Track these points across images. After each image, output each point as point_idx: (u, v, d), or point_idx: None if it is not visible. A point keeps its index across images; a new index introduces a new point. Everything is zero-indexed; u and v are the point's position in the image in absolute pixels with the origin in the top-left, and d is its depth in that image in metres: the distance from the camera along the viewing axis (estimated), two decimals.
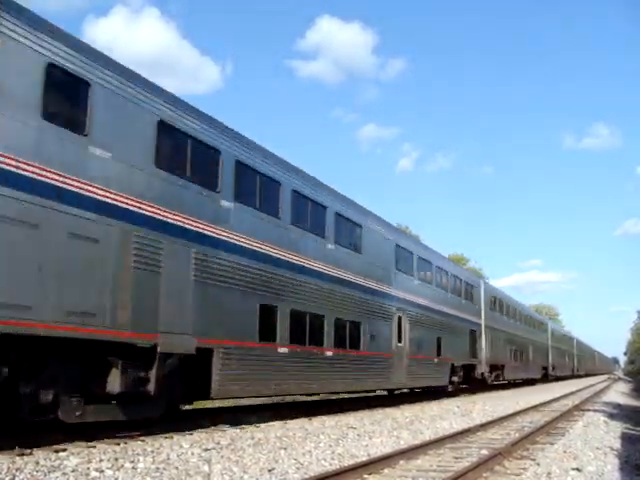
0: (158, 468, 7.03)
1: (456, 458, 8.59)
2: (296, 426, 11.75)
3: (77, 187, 8.11)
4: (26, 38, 7.69)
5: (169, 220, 9.72)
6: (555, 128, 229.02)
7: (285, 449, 8.78)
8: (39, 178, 7.62)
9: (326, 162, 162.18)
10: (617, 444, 10.40)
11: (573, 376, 64.75)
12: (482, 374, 27.92)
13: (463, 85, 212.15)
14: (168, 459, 7.61)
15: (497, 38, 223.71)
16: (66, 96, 8.49)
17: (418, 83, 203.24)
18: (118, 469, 6.89)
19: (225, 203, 11.12)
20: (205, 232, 10.56)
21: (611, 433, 12.07)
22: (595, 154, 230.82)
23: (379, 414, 15.27)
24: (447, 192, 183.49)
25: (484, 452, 8.94)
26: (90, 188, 8.30)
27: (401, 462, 8.04)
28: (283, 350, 12.51)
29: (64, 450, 7.80)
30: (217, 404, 16.71)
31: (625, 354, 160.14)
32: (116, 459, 7.38)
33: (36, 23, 7.91)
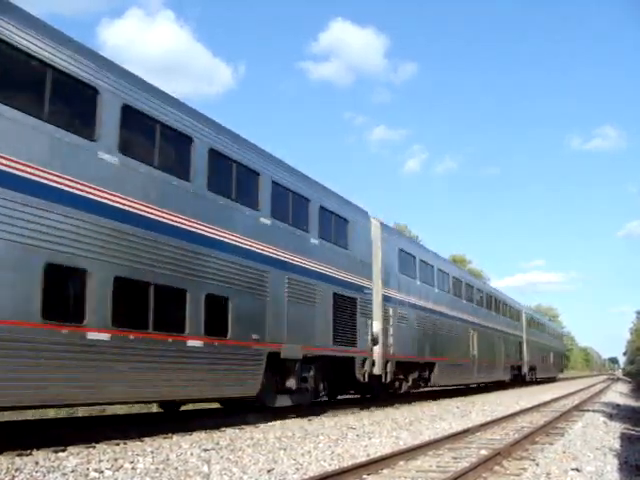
0: (157, 468, 7.04)
1: (455, 458, 8.59)
2: (295, 426, 11.75)
3: None
4: None
5: None
6: (562, 130, 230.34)
7: (284, 449, 8.78)
8: None
9: (335, 163, 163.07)
10: (616, 444, 10.39)
11: (561, 378, 58.29)
12: (367, 374, 16.23)
13: (472, 88, 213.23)
14: (167, 459, 7.61)
15: (505, 43, 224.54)
16: None
17: (428, 86, 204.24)
18: (117, 469, 6.89)
19: None
20: None
21: (610, 433, 12.07)
22: (600, 156, 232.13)
23: (379, 414, 15.26)
24: (453, 193, 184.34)
25: (483, 452, 8.94)
26: None
27: (400, 463, 8.04)
28: None
29: (63, 450, 7.81)
30: (216, 404, 16.71)
31: (625, 354, 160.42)
32: (115, 459, 7.38)
33: None
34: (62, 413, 13.42)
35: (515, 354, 36.11)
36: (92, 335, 8.43)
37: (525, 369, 38.46)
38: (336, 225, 15.69)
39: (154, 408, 15.48)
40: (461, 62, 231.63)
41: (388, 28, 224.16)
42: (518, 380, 36.93)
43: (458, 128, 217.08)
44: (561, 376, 62.84)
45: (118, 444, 8.58)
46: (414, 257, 20.95)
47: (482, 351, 27.67)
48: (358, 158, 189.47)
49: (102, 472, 6.70)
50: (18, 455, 7.34)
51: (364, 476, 7.08)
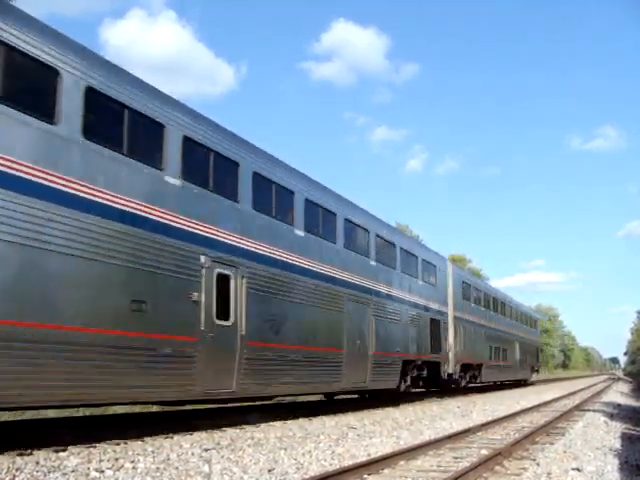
0: (158, 468, 7.03)
1: (456, 458, 8.59)
2: (296, 426, 11.75)
3: None
4: None
5: None
6: (562, 130, 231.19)
7: (285, 449, 8.78)
8: None
9: (336, 163, 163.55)
10: (617, 444, 10.39)
11: (525, 383, 39.22)
12: None
13: (472, 88, 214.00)
14: (168, 459, 7.61)
15: (505, 43, 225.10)
16: None
17: (429, 86, 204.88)
18: (118, 469, 6.89)
19: None
20: None
21: (611, 433, 12.07)
22: (600, 156, 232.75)
23: (379, 414, 15.26)
24: (453, 193, 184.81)
25: (484, 452, 8.93)
26: None
27: (401, 462, 8.04)
28: None
29: (64, 450, 7.80)
30: (217, 404, 16.71)
31: (625, 354, 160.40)
32: (116, 459, 7.38)
33: None
34: (64, 413, 13.42)
35: (423, 341, 19.99)
36: None
37: (451, 368, 22.68)
38: None
39: (154, 407, 15.47)
40: (462, 62, 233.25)
41: (390, 29, 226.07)
42: (441, 386, 22.98)
43: (458, 128, 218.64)
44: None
45: (119, 444, 8.56)
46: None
47: (287, 329, 12.45)
48: (359, 158, 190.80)
49: (103, 472, 6.69)
50: (19, 455, 7.33)
51: (365, 476, 7.07)
